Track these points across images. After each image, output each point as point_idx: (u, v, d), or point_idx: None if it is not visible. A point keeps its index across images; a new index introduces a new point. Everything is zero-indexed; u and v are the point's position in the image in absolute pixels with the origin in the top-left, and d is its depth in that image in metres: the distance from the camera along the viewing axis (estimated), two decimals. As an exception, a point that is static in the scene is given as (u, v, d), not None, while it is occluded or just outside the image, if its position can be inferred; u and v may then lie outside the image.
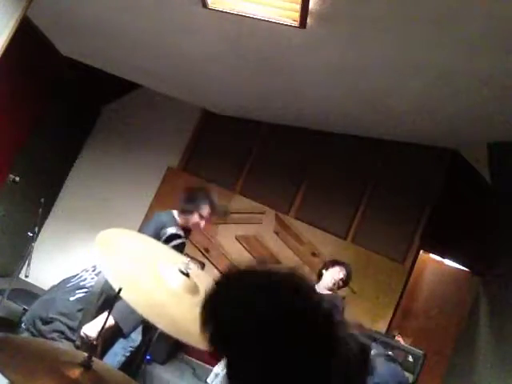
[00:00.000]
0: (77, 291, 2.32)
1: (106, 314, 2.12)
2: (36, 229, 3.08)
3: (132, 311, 1.96)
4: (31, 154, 4.64)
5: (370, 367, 0.89)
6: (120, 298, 2.15)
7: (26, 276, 2.91)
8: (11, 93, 4.10)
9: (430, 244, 4.89)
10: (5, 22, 3.00)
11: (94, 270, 2.42)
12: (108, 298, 2.23)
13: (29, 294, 3.97)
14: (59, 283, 2.46)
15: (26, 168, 4.49)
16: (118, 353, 3.03)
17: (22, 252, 3.15)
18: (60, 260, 4.99)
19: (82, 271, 2.47)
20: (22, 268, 3.08)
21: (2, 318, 3.09)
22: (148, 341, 3.09)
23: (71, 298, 2.29)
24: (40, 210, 3.24)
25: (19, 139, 4.49)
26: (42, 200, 3.31)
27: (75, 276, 2.44)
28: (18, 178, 3.41)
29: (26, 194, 4.57)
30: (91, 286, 2.32)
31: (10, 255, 4.69)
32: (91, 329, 2.13)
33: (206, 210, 3.20)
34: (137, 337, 3.06)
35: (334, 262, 3.90)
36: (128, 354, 3.09)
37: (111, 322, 2.13)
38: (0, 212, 4.53)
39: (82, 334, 2.13)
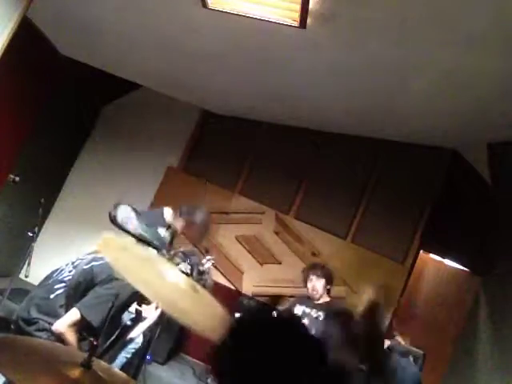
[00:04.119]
0: (55, 287, 2.32)
1: (74, 308, 2.16)
2: (36, 229, 3.08)
3: (98, 303, 1.99)
4: (31, 154, 4.64)
5: None
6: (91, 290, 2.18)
7: (26, 276, 2.91)
8: (11, 93, 4.10)
9: (430, 244, 4.89)
10: (5, 22, 2.99)
11: (73, 263, 2.42)
12: (85, 289, 2.24)
13: (28, 293, 3.96)
14: (43, 279, 2.46)
15: (26, 168, 4.49)
16: (119, 354, 3.04)
17: (22, 252, 3.15)
18: (60, 260, 4.96)
19: (64, 265, 2.47)
20: (22, 268, 3.08)
21: (2, 318, 3.08)
22: (148, 341, 3.09)
23: (51, 296, 2.29)
24: (40, 210, 3.24)
25: (19, 139, 4.49)
26: (42, 200, 3.31)
27: (56, 270, 2.45)
28: (17, 178, 3.41)
29: (25, 194, 4.57)
30: (69, 280, 2.32)
31: (10, 255, 4.68)
32: (59, 324, 2.14)
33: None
34: (139, 338, 3.07)
35: (309, 270, 3.91)
36: (129, 356, 3.09)
37: (78, 315, 2.14)
38: (0, 212, 4.53)
39: (52, 328, 2.15)
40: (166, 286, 1.50)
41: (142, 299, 2.33)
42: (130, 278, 1.41)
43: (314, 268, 3.91)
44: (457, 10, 2.40)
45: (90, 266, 2.32)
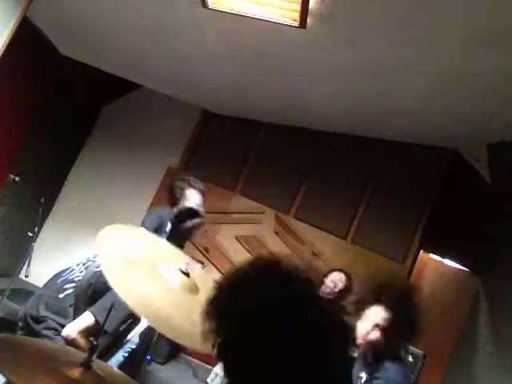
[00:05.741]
0: (65, 286, 2.30)
1: (87, 312, 2.13)
2: (36, 229, 3.08)
3: (114, 309, 1.96)
4: (31, 154, 4.64)
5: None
6: (105, 294, 2.16)
7: (26, 276, 2.91)
8: (11, 93, 4.10)
9: (430, 244, 4.89)
10: (5, 22, 2.99)
11: (84, 264, 2.42)
12: (96, 291, 2.23)
13: (29, 294, 3.94)
14: (52, 278, 2.44)
15: (26, 168, 4.49)
16: (117, 354, 3.03)
17: (21, 252, 3.15)
18: (60, 260, 4.97)
19: (75, 264, 2.46)
20: (21, 268, 3.08)
21: (2, 318, 3.08)
22: (148, 341, 3.08)
23: (60, 295, 2.27)
24: (40, 210, 3.24)
25: (19, 139, 4.49)
26: (42, 200, 3.31)
27: (66, 270, 2.44)
28: (17, 178, 3.41)
29: (25, 194, 4.57)
30: (79, 280, 2.31)
31: (10, 255, 4.69)
32: (70, 329, 2.12)
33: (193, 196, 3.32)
34: (135, 338, 3.06)
35: (333, 269, 3.87)
36: (126, 355, 3.09)
37: (91, 320, 2.11)
38: (0, 212, 4.53)
39: (63, 334, 2.12)
40: (156, 292, 1.48)
41: None
42: (126, 297, 1.39)
43: (339, 269, 3.85)
44: (457, 10, 2.40)
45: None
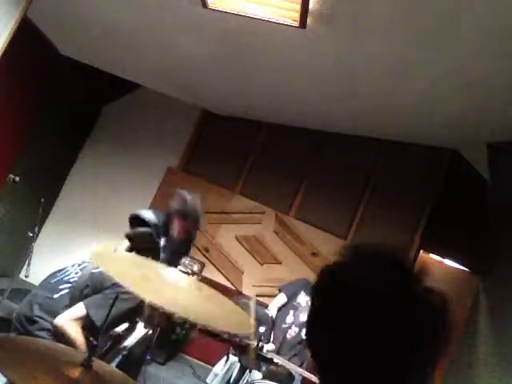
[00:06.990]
0: (60, 287, 2.30)
1: (80, 304, 2.14)
2: (36, 229, 3.08)
3: (106, 304, 1.96)
4: (31, 154, 4.64)
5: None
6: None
7: (26, 276, 2.91)
8: (11, 93, 4.10)
9: (430, 244, 4.89)
10: (5, 22, 3.00)
11: (79, 265, 2.41)
12: (92, 292, 2.22)
13: (28, 294, 3.96)
14: (46, 278, 2.44)
15: (26, 168, 4.49)
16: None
17: (22, 252, 3.15)
18: (60, 260, 4.96)
19: (70, 265, 2.46)
20: (22, 268, 3.08)
21: (2, 318, 3.08)
22: (148, 341, 3.07)
23: (55, 296, 2.27)
24: (40, 210, 3.24)
25: (19, 139, 4.49)
26: (42, 200, 3.31)
27: (61, 270, 2.43)
28: (17, 178, 3.42)
29: (26, 194, 4.57)
30: (75, 281, 2.30)
31: (10, 255, 4.68)
32: (61, 317, 2.12)
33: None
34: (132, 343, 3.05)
35: None
36: (125, 353, 3.07)
37: (83, 312, 2.12)
38: (0, 212, 4.53)
39: (54, 322, 2.13)
40: (175, 290, 1.49)
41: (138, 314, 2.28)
42: (135, 288, 1.40)
43: None
44: (457, 10, 2.40)
45: (99, 270, 2.30)
